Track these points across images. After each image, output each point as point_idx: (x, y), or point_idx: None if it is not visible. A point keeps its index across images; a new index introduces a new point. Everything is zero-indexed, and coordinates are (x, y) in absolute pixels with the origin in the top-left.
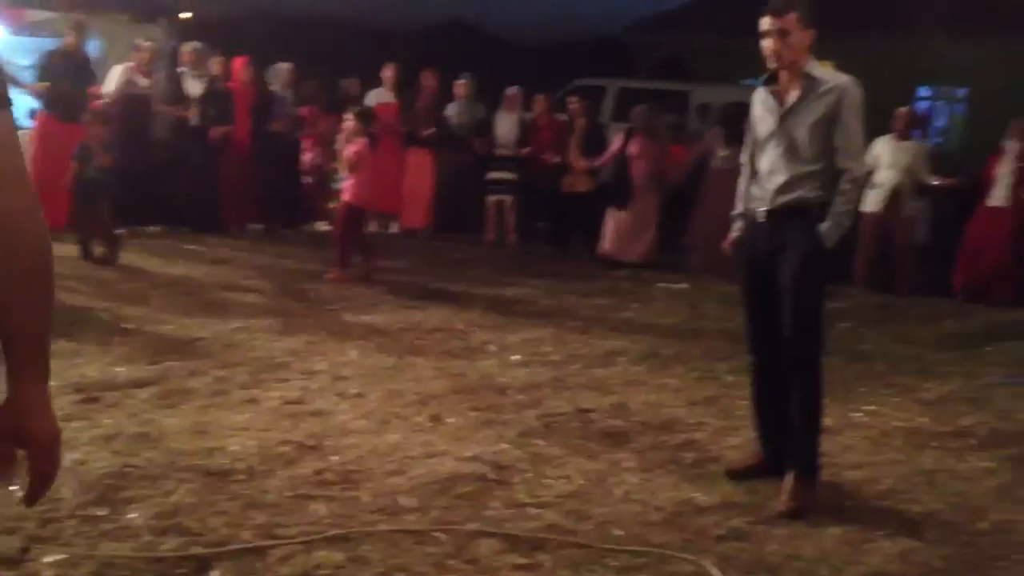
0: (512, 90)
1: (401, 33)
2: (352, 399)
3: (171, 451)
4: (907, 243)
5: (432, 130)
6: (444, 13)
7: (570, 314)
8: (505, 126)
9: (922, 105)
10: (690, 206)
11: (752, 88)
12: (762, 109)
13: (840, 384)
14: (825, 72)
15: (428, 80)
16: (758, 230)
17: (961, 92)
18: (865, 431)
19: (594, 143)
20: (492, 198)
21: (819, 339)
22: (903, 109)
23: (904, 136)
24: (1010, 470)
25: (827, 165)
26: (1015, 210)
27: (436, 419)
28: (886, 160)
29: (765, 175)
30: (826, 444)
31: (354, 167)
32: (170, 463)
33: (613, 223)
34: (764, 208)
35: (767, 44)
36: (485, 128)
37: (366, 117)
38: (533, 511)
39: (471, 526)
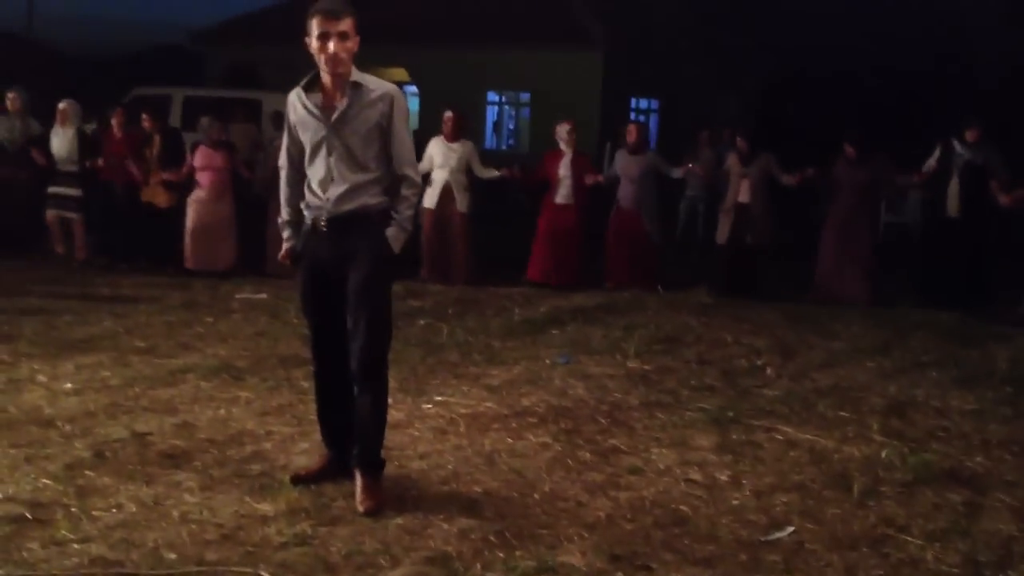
0: (64, 103)
1: None
2: None
3: None
4: (464, 235)
5: None
6: None
7: (136, 334)
8: (61, 141)
9: (492, 109)
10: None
11: None
12: (305, 114)
13: (414, 378)
14: (370, 79)
15: None
16: (319, 238)
17: (525, 96)
18: (433, 421)
19: (173, 155)
20: (52, 213)
21: (388, 341)
22: (448, 114)
23: (453, 138)
24: (563, 442)
25: (385, 171)
26: (577, 206)
27: None
28: (438, 160)
29: (320, 183)
30: (395, 438)
31: None
32: None
33: (191, 235)
34: (325, 216)
35: (329, 47)
36: (41, 143)
37: None
38: (76, 547)
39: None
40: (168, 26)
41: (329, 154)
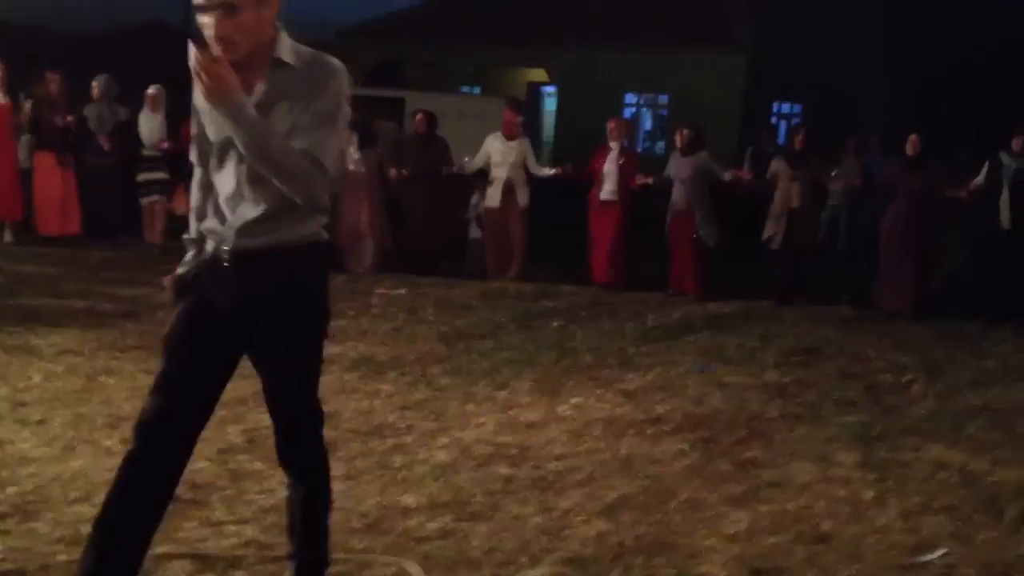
0: (152, 89)
1: (95, 36)
2: (33, 426)
3: None
4: (522, 228)
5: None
6: (144, 16)
7: None
8: (148, 126)
9: (629, 111)
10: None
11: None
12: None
13: (548, 380)
14: (304, 52)
15: (51, 82)
16: (219, 276)
17: (664, 99)
18: (569, 424)
19: None
20: (145, 200)
21: (322, 417)
22: (512, 113)
23: (512, 136)
24: (700, 451)
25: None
26: (622, 202)
27: (128, 442)
28: (496, 158)
29: (227, 200)
30: (532, 438)
31: None
32: None
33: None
34: (227, 248)
35: (209, 25)
36: (127, 129)
37: None
38: (231, 528)
39: (161, 549)
40: (316, 23)
41: (240, 161)
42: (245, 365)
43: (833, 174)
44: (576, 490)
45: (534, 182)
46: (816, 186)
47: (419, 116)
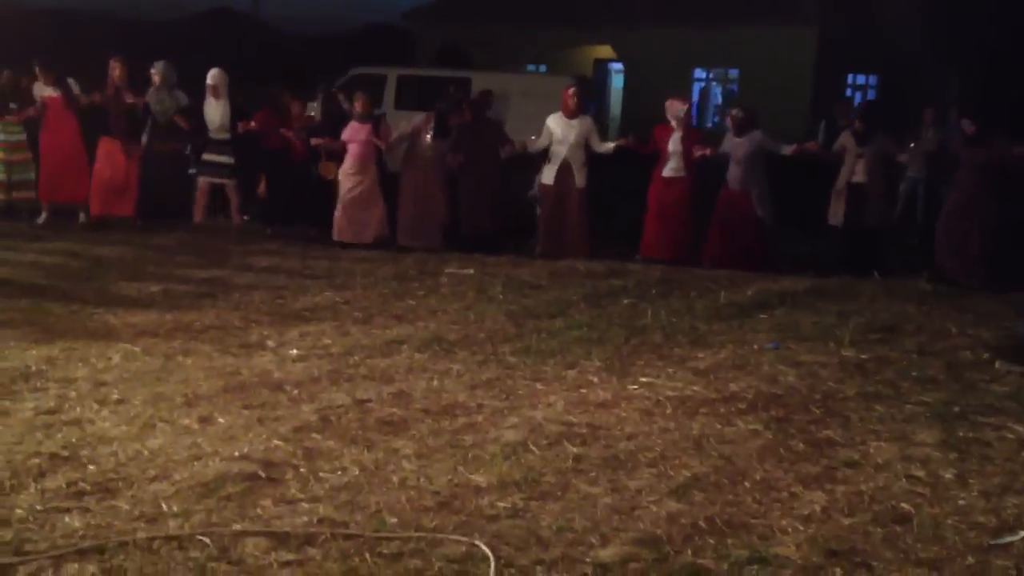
0: (211, 78)
1: (162, 23)
2: (113, 405)
3: None
4: (582, 210)
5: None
6: (210, 3)
7: (354, 305)
8: (214, 110)
9: (698, 85)
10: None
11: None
12: None
13: (618, 358)
14: None
15: (114, 69)
16: None
17: (734, 73)
18: (639, 402)
19: (329, 125)
20: (204, 180)
21: None
22: (571, 89)
23: (573, 114)
24: (774, 430)
25: None
26: (688, 178)
27: (205, 420)
28: (557, 136)
29: None
30: (602, 417)
31: None
32: None
33: (340, 209)
34: None
35: None
36: (189, 113)
37: None
38: (305, 506)
39: (237, 527)
40: (381, 4)
41: None
42: (305, 343)
43: (911, 146)
44: (647, 469)
45: (608, 158)
46: (885, 162)
47: (465, 106)
